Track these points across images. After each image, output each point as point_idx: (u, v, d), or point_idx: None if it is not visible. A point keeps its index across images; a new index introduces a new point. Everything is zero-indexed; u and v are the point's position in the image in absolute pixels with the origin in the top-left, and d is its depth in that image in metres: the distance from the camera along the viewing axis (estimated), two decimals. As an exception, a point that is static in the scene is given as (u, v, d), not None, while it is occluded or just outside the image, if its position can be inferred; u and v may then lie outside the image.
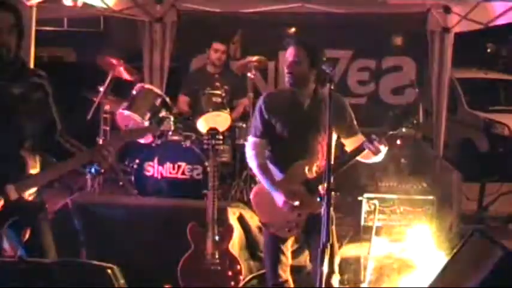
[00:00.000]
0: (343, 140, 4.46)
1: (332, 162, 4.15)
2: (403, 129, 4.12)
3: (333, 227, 4.37)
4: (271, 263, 4.57)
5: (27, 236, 3.52)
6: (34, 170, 3.71)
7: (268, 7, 8.45)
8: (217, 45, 7.46)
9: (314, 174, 4.32)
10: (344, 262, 5.37)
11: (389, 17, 8.53)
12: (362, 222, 6.05)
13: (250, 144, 4.52)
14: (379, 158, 4.28)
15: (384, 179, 6.44)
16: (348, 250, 5.87)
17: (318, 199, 4.12)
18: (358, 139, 4.40)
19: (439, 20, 8.16)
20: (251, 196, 4.60)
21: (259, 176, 4.46)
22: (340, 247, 5.40)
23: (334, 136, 4.30)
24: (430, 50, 8.33)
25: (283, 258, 4.51)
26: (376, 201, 5.61)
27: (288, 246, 4.55)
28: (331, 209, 4.27)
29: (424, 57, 8.53)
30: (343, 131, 4.41)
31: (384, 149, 4.17)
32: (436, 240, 6.00)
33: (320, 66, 4.11)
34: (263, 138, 4.45)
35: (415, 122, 4.13)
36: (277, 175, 4.43)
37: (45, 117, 3.77)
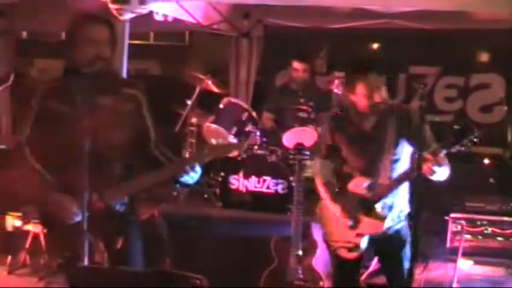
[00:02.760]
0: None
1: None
2: (462, 148, 3.91)
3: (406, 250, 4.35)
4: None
5: (119, 245, 3.59)
6: (123, 180, 3.76)
7: (355, 23, 8.42)
8: (296, 65, 7.33)
9: (372, 193, 4.20)
10: (429, 283, 5.28)
11: (477, 33, 8.36)
12: (448, 243, 5.91)
13: (315, 166, 4.56)
14: (440, 177, 4.00)
15: (471, 198, 6.27)
16: (433, 271, 5.75)
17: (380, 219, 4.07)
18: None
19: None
20: (317, 212, 4.61)
21: (322, 192, 4.43)
22: (426, 267, 5.30)
23: (409, 150, 4.19)
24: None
25: (345, 283, 4.50)
26: (463, 222, 5.48)
27: (353, 272, 4.51)
28: (405, 231, 4.31)
29: (514, 75, 8.34)
30: (413, 146, 4.18)
31: (438, 169, 3.89)
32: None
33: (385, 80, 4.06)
34: (327, 159, 4.45)
35: (475, 140, 3.91)
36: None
37: (136, 128, 3.80)
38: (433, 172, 3.88)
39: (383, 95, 4.07)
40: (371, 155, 4.20)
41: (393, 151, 4.15)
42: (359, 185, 4.22)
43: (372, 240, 4.27)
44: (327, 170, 4.45)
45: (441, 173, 3.94)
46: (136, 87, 3.84)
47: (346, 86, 4.25)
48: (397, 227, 4.27)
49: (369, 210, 4.16)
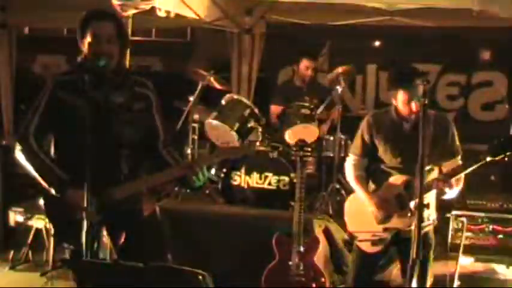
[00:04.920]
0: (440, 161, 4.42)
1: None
2: (496, 158, 4.04)
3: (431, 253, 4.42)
4: (353, 279, 4.72)
5: (122, 239, 3.60)
6: (130, 177, 3.79)
7: (357, 20, 8.43)
8: (307, 62, 7.41)
9: (409, 191, 4.31)
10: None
11: (480, 31, 8.37)
12: (449, 240, 5.92)
13: (349, 161, 4.67)
14: (449, 196, 4.35)
15: (472, 196, 6.28)
16: (434, 268, 5.76)
17: (409, 214, 4.15)
18: (455, 163, 4.36)
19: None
20: (345, 203, 4.76)
21: (355, 187, 4.59)
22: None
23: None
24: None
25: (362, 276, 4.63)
26: (464, 219, 5.50)
27: (370, 266, 4.67)
28: (431, 235, 4.43)
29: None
30: (441, 152, 4.38)
31: (449, 191, 4.21)
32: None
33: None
34: (362, 157, 4.59)
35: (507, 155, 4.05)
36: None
37: (146, 128, 3.84)
38: (444, 193, 4.23)
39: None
40: (408, 155, 4.29)
41: (429, 153, 4.23)
42: (397, 182, 4.37)
43: (397, 240, 4.39)
44: (361, 166, 4.60)
45: (452, 194, 4.27)
46: (148, 87, 3.88)
47: (389, 89, 4.42)
48: (425, 229, 4.33)
49: (403, 207, 4.30)
